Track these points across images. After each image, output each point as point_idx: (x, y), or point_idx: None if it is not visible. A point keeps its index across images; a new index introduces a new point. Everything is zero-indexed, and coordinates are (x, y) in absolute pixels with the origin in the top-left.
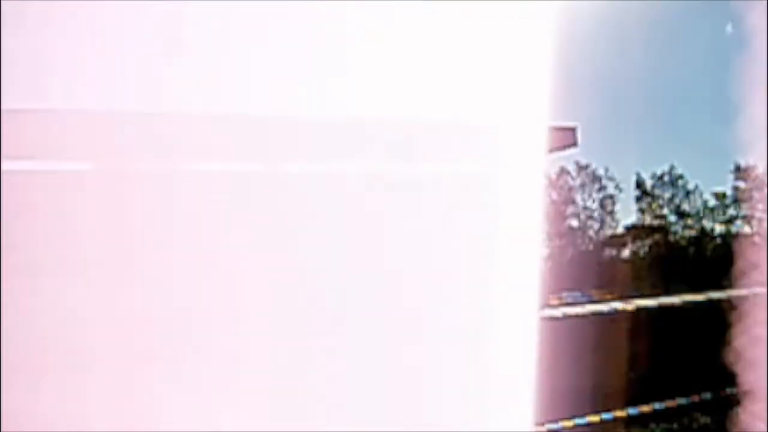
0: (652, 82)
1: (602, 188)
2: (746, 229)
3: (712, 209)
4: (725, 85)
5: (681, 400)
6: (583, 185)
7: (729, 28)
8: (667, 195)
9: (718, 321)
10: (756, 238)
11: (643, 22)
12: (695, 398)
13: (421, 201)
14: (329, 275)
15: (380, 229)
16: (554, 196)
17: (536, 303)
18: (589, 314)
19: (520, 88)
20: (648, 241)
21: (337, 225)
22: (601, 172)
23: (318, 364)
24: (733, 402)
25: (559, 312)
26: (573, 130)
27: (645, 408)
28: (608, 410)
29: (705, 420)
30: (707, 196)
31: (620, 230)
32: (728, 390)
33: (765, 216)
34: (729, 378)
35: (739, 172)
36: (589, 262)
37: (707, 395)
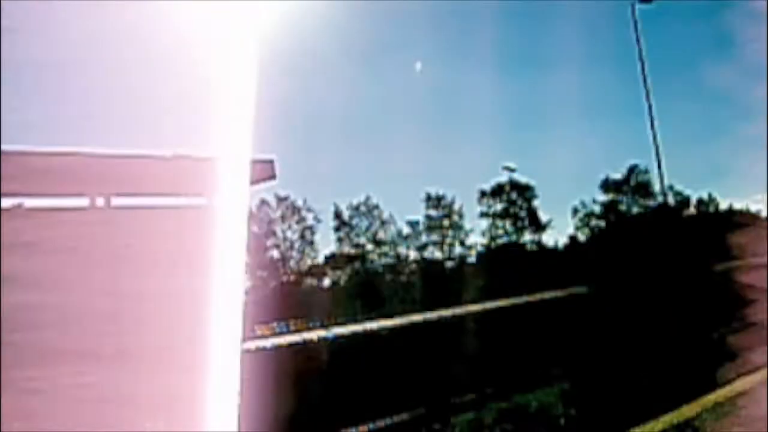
0: (346, 115)
1: (302, 219)
2: (438, 255)
3: (406, 237)
4: (414, 118)
5: (381, 422)
6: (283, 217)
7: (418, 66)
8: (363, 224)
9: (415, 343)
10: (448, 263)
11: (338, 58)
12: (392, 419)
13: (129, 232)
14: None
15: (87, 259)
16: (255, 228)
17: (240, 335)
18: (292, 344)
19: (221, 122)
20: (347, 270)
21: (44, 255)
22: (300, 203)
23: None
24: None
25: (263, 343)
26: (271, 162)
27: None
28: None
29: None
30: (401, 224)
31: (320, 260)
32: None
33: (454, 242)
34: (430, 396)
35: (430, 200)
36: (291, 293)
37: (407, 415)
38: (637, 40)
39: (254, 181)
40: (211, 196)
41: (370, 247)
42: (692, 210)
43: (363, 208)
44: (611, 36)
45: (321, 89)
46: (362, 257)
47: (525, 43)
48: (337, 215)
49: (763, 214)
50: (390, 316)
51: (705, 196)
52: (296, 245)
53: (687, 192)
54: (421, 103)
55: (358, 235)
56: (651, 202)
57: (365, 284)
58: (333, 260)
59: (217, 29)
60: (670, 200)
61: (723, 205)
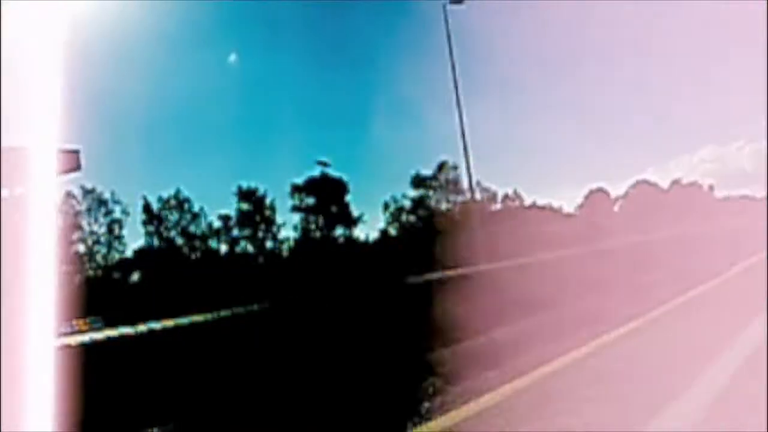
0: (157, 107)
1: (109, 212)
2: (250, 249)
3: (217, 231)
4: (226, 112)
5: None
6: (89, 210)
7: (232, 58)
8: (174, 218)
9: (225, 341)
10: (260, 258)
11: (148, 47)
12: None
13: None
14: None
15: None
16: (60, 221)
17: (52, 331)
18: (102, 341)
19: (24, 111)
20: (157, 264)
21: None
22: (107, 195)
23: None
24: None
25: (72, 339)
26: (76, 153)
27: None
28: None
29: None
30: (212, 218)
31: (129, 254)
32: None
33: (266, 236)
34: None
35: (242, 194)
36: (98, 288)
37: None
38: (449, 39)
39: (58, 172)
40: (13, 186)
41: (180, 241)
42: (498, 205)
43: (173, 202)
44: (422, 35)
45: (131, 82)
46: (172, 251)
47: (338, 40)
48: (147, 209)
49: (565, 209)
50: (204, 310)
51: (511, 192)
52: (103, 239)
53: (494, 188)
54: (232, 97)
55: (168, 229)
56: (459, 198)
57: (176, 279)
58: (142, 254)
59: (23, 20)
60: (478, 196)
61: (528, 201)
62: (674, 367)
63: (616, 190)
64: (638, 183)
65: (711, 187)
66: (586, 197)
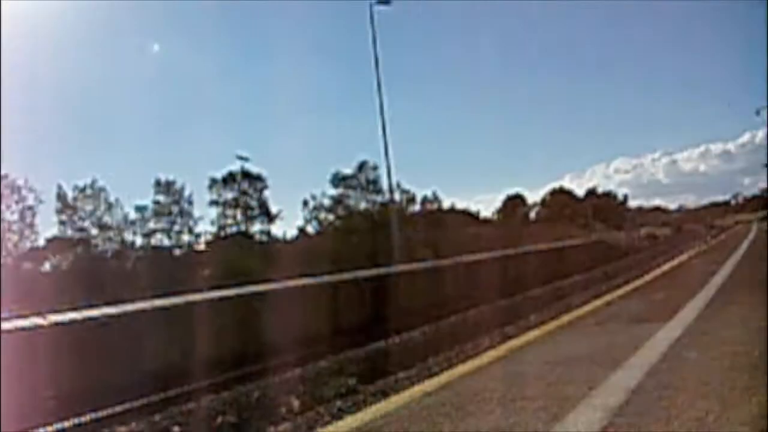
0: (75, 94)
1: (22, 199)
2: (166, 242)
3: (133, 222)
4: (146, 102)
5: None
6: (0, 196)
7: (156, 48)
8: (89, 207)
9: (138, 331)
10: (176, 251)
11: (68, 35)
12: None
13: None
14: None
15: None
16: None
17: None
18: (15, 329)
19: None
20: (70, 254)
21: None
22: (20, 182)
23: None
24: None
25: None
26: None
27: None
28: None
29: None
30: (128, 209)
31: (41, 242)
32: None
33: (183, 229)
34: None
35: (159, 186)
36: (7, 276)
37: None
38: (374, 40)
39: None
40: None
41: (95, 231)
42: (417, 207)
43: (89, 191)
44: (348, 34)
45: (49, 68)
46: (86, 241)
47: (260, 35)
48: (61, 197)
49: (483, 213)
50: (112, 302)
51: (430, 194)
52: (15, 226)
53: (413, 189)
54: (152, 87)
55: (82, 219)
56: (379, 198)
57: (90, 269)
58: (55, 243)
59: None
60: (397, 197)
61: (446, 203)
62: None
63: (533, 196)
64: (555, 190)
65: (625, 197)
66: (504, 203)
